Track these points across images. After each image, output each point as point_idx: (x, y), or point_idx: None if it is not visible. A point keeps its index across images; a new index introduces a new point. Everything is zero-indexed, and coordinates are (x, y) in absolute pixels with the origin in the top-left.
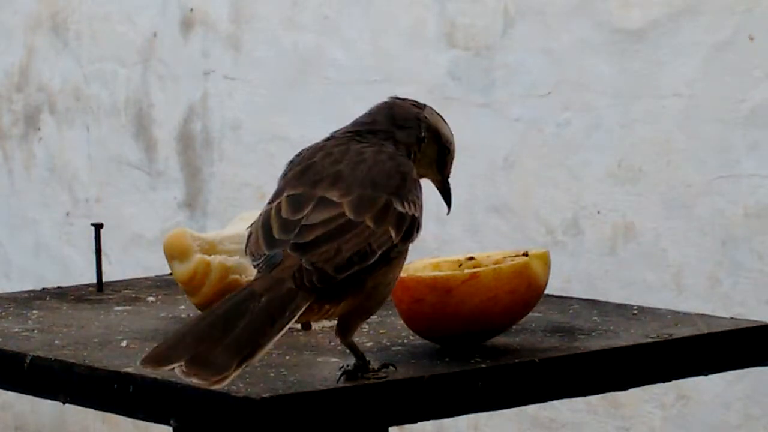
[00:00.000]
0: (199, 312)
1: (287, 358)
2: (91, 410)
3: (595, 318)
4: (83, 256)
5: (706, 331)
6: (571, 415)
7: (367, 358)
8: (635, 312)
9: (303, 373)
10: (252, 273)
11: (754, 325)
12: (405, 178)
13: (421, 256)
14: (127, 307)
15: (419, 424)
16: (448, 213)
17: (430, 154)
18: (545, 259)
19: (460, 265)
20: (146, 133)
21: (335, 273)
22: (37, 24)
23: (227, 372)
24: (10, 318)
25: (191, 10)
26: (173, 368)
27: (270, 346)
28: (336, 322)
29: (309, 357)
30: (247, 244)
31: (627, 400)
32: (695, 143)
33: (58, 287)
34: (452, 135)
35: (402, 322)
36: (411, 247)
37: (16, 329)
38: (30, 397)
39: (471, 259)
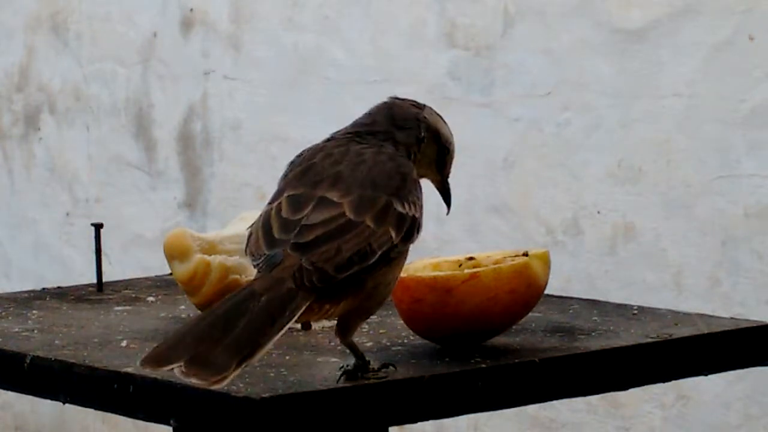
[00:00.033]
0: (199, 312)
1: (287, 358)
2: (91, 410)
3: (595, 318)
4: (83, 256)
5: (706, 331)
6: (571, 415)
7: (367, 358)
8: (635, 312)
9: (303, 373)
10: (252, 273)
11: (754, 325)
12: (405, 179)
13: (421, 256)
14: (127, 307)
15: (419, 424)
16: (448, 213)
17: (429, 155)
18: (545, 259)
19: (460, 265)
20: (146, 133)
21: (335, 273)
22: (37, 24)
23: (227, 372)
24: (10, 318)
25: (191, 10)
26: (173, 368)
27: (270, 346)
28: (336, 322)
29: (309, 357)
30: (247, 244)
31: (627, 400)
32: (695, 143)
33: (58, 287)
34: (452, 135)
35: (402, 322)
36: (411, 247)
37: (16, 329)
38: (30, 397)
39: (471, 259)
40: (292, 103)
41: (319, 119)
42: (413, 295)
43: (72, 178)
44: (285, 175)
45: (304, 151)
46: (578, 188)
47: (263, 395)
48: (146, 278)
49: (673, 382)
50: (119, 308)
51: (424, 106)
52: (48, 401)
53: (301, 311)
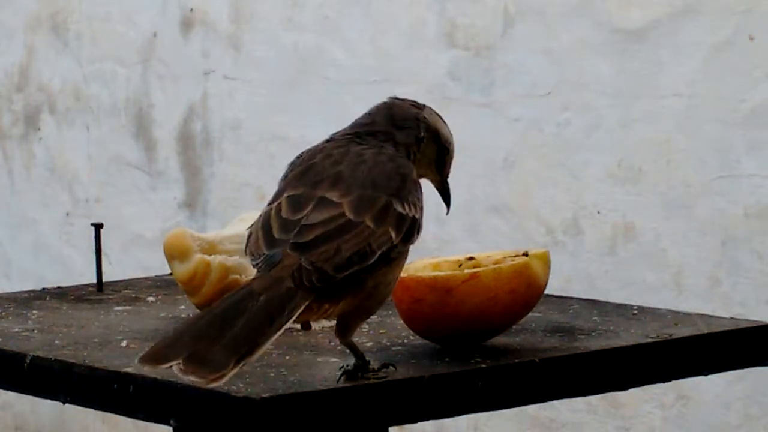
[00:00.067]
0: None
1: (287, 358)
2: (91, 410)
3: (595, 318)
4: (83, 256)
5: (706, 331)
6: (571, 415)
7: (367, 358)
8: (635, 312)
9: (303, 373)
10: (252, 273)
11: (754, 325)
12: (405, 180)
13: (421, 256)
14: (127, 307)
15: (419, 424)
16: (447, 213)
17: (429, 155)
18: (545, 259)
19: (460, 265)
20: (146, 133)
21: (335, 272)
22: (37, 24)
23: (225, 370)
24: (10, 318)
25: (191, 10)
26: (170, 366)
27: (268, 345)
28: (336, 322)
29: (309, 357)
30: (247, 245)
31: (627, 400)
32: (695, 143)
33: (58, 287)
34: (451, 135)
35: (402, 322)
36: (411, 247)
37: (16, 329)
38: (30, 397)
39: (471, 259)
40: (292, 103)
41: (319, 119)
42: (413, 295)
43: (72, 178)
44: (285, 176)
45: (303, 152)
46: (578, 188)
47: (263, 395)
48: (146, 278)
49: (673, 382)
50: (119, 308)
51: (424, 106)
52: (48, 401)
53: (300, 311)
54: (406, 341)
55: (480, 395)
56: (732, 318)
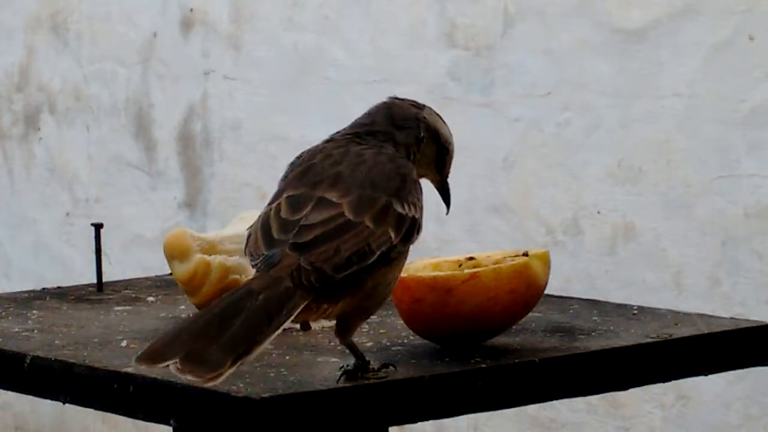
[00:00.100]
0: None
1: (287, 358)
2: (91, 410)
3: (595, 318)
4: (83, 256)
5: (706, 331)
6: (571, 415)
7: (367, 358)
8: (635, 312)
9: (303, 373)
10: (252, 273)
11: (754, 325)
12: (405, 180)
13: (421, 256)
14: (127, 307)
15: (419, 424)
16: (447, 213)
17: (429, 155)
18: (545, 259)
19: (460, 265)
20: (146, 133)
21: (334, 272)
22: (37, 24)
23: (222, 369)
24: (10, 318)
25: (191, 10)
26: (168, 365)
27: (266, 344)
28: (336, 322)
29: (309, 357)
30: (246, 245)
31: (627, 400)
32: (695, 143)
33: (58, 287)
34: (451, 135)
35: (402, 322)
36: (411, 247)
37: (16, 329)
38: (30, 397)
39: (471, 259)
40: (292, 103)
41: (319, 119)
42: (413, 295)
43: (72, 178)
44: (285, 176)
45: (303, 152)
46: (578, 188)
47: (263, 395)
48: (146, 278)
49: (673, 382)
50: (119, 308)
51: (424, 106)
52: (48, 401)
53: (299, 310)
54: (406, 341)
55: (480, 395)
56: (732, 318)
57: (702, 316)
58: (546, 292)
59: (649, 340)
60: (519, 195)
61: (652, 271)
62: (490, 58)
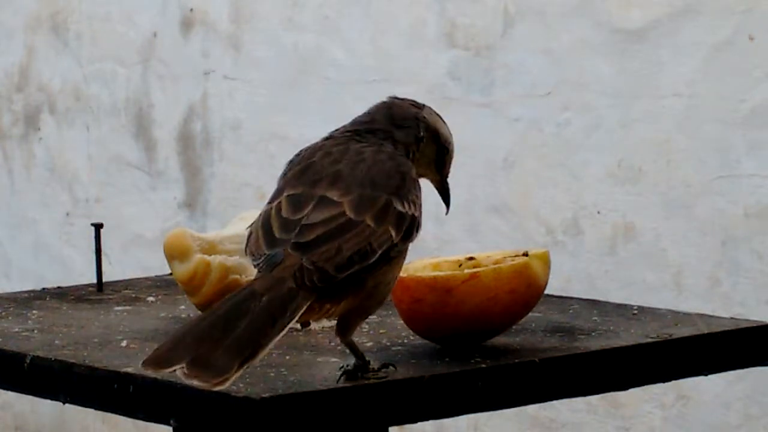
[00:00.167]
0: (199, 312)
1: (287, 358)
2: (91, 410)
3: (595, 318)
4: (83, 256)
5: (706, 331)
6: (571, 415)
7: (367, 358)
8: (635, 312)
9: (303, 373)
10: (252, 273)
11: (754, 325)
12: (404, 178)
13: (421, 256)
14: (127, 307)
15: (419, 424)
16: (447, 213)
17: (428, 154)
18: (545, 259)
19: (460, 265)
20: (146, 133)
21: (336, 272)
22: (37, 24)
23: (228, 374)
24: (10, 318)
25: (191, 10)
26: (174, 370)
27: (271, 346)
28: (336, 321)
29: (309, 357)
30: (247, 244)
31: (627, 400)
32: (695, 143)
33: (58, 287)
34: (451, 135)
35: (402, 322)
36: (411, 247)
37: (16, 329)
38: (30, 397)
39: (471, 259)
40: (292, 103)
41: (319, 119)
42: (413, 295)
43: (72, 178)
44: (284, 174)
45: (302, 149)
46: (578, 188)
47: (263, 395)
48: (146, 278)
49: (673, 382)
50: (119, 308)
51: (424, 105)
52: (48, 401)
53: (302, 311)
54: (406, 341)
55: (480, 395)
56: (732, 318)
57: (702, 316)
58: (546, 292)
59: (649, 340)
60: (519, 195)
61: (652, 271)
62: (490, 58)
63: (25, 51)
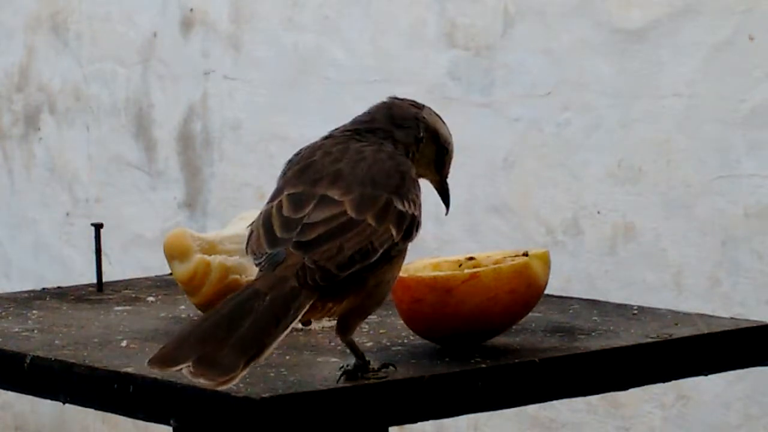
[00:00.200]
0: (199, 312)
1: (287, 358)
2: (91, 410)
3: (595, 318)
4: (83, 256)
5: (706, 331)
6: (571, 415)
7: (367, 358)
8: (635, 312)
9: (303, 373)
10: (252, 272)
11: (754, 325)
12: (404, 177)
13: (421, 256)
14: (127, 307)
15: (419, 424)
16: (447, 213)
17: (428, 154)
18: (545, 259)
19: (460, 265)
20: (146, 133)
21: (338, 271)
22: (37, 24)
23: (234, 372)
24: (10, 318)
25: (191, 10)
26: (180, 369)
27: (275, 345)
28: (336, 320)
29: (309, 357)
30: (248, 243)
31: (627, 400)
32: (695, 143)
33: (58, 287)
34: (450, 135)
35: (402, 322)
36: (411, 246)
37: (16, 329)
38: (30, 397)
39: (471, 259)
40: (292, 103)
41: (319, 119)
42: (413, 295)
43: (72, 178)
44: (284, 173)
45: (302, 149)
46: (578, 188)
47: (263, 395)
48: (146, 278)
49: (673, 382)
50: (119, 308)
51: (423, 106)
52: (48, 401)
53: (305, 310)
54: (406, 341)
55: (480, 395)
56: (732, 318)
57: (702, 316)
58: (546, 292)
59: (649, 340)
60: (519, 195)
61: (652, 271)
62: (490, 58)
63: (25, 51)
